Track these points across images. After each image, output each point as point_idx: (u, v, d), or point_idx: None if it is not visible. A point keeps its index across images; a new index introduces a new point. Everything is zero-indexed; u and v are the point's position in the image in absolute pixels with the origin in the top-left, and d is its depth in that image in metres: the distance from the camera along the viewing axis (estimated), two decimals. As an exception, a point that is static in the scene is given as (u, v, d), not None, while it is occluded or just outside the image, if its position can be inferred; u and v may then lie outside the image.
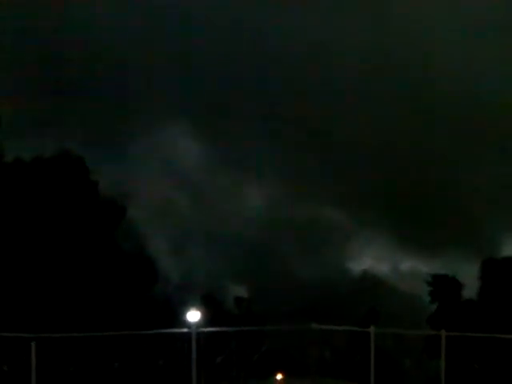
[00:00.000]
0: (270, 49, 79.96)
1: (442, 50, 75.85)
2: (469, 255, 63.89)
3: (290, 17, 79.16)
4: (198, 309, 24.83)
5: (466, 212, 74.40)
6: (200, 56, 78.31)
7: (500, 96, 72.16)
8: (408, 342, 26.89)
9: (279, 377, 28.23)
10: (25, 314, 33.78)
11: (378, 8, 77.37)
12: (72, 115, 65.56)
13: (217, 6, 78.77)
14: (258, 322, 34.25)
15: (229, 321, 38.82)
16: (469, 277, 46.35)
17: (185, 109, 78.07)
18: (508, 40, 73.98)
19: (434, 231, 73.29)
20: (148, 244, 47.38)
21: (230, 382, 24.76)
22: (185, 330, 23.99)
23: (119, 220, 44.80)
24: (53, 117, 64.99)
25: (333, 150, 79.83)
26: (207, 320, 26.59)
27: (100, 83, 69.61)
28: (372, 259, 79.30)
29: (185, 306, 25.79)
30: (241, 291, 58.21)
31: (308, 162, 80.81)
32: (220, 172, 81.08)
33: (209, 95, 77.32)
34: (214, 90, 77.16)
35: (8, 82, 58.48)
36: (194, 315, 24.32)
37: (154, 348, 24.73)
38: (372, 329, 24.45)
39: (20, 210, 38.51)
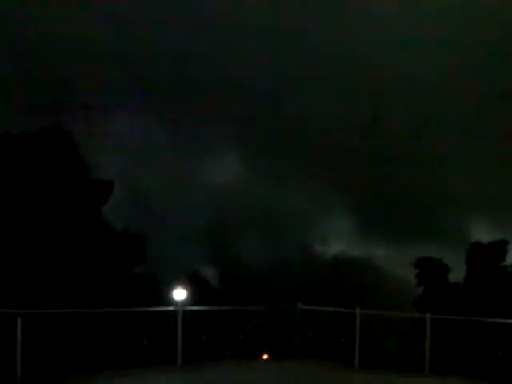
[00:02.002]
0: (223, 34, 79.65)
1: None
2: (434, 243, 64.33)
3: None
4: (184, 287, 24.82)
5: (431, 200, 74.58)
6: (161, 36, 77.95)
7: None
8: (393, 324, 26.98)
9: (265, 357, 28.30)
10: (11, 290, 33.77)
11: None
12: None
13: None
14: (244, 301, 34.29)
15: (215, 299, 38.96)
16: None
17: (147, 90, 77.68)
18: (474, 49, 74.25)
19: (397, 217, 73.59)
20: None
21: (216, 361, 24.77)
22: (171, 308, 24.07)
23: (107, 196, 44.77)
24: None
25: (297, 134, 79.53)
26: (193, 298, 26.58)
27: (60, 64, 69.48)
28: (340, 244, 79.21)
29: (171, 284, 25.76)
30: (209, 273, 58.22)
31: (272, 145, 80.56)
32: (182, 152, 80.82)
33: (170, 74, 77.02)
34: (174, 69, 76.91)
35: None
36: (179, 293, 24.34)
37: (140, 326, 24.69)
38: (358, 310, 24.65)
39: (7, 185, 38.40)
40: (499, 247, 43.36)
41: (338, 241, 79.41)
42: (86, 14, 74.05)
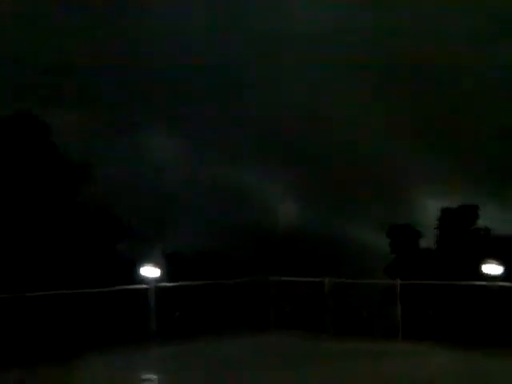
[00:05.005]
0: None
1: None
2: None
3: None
4: (157, 265, 25.03)
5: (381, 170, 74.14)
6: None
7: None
8: (365, 292, 27.40)
9: (241, 331, 28.59)
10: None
11: None
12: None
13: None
14: (215, 276, 34.43)
15: (191, 275, 39.10)
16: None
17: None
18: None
19: (345, 189, 73.21)
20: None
21: (191, 336, 25.09)
22: (143, 286, 24.33)
23: (83, 179, 44.70)
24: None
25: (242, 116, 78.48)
26: (168, 276, 26.69)
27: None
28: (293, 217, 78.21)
29: (145, 262, 25.84)
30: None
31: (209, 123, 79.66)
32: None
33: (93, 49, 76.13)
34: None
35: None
36: (152, 271, 24.58)
37: (115, 305, 24.94)
38: (326, 279, 25.06)
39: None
40: (470, 211, 43.62)
41: (289, 215, 78.63)
42: None
